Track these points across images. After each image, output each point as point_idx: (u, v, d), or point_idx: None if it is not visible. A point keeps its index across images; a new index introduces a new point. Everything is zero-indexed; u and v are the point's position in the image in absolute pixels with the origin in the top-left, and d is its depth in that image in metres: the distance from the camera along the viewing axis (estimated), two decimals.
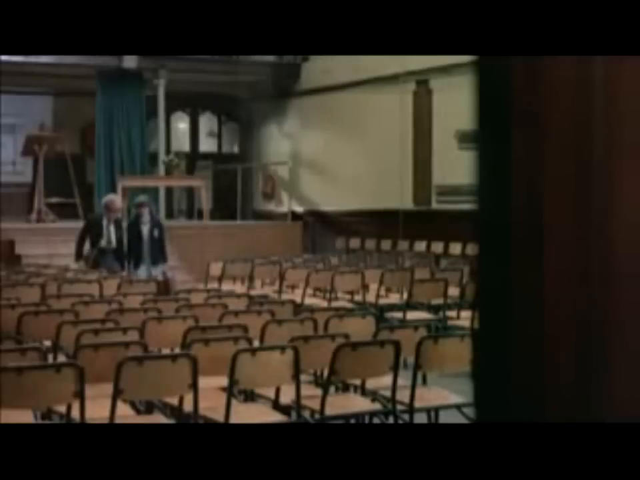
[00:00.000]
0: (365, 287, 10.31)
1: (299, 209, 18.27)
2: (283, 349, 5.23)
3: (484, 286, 0.87)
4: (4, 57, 14.92)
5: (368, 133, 16.78)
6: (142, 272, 11.46)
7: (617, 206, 0.76)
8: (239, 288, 11.26)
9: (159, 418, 5.31)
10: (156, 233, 11.86)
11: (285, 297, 9.96)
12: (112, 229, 11.43)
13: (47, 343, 6.57)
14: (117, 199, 12.19)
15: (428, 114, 15.62)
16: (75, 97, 19.01)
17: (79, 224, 16.07)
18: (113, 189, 17.14)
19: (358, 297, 10.33)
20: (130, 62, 17.07)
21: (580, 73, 0.80)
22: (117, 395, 4.74)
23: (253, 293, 10.29)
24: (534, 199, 0.77)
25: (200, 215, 17.46)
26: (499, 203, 0.80)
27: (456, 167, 15.53)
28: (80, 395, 4.63)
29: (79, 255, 11.58)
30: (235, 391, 5.52)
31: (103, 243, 11.33)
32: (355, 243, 16.84)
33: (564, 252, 0.78)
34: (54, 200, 16.92)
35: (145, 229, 11.78)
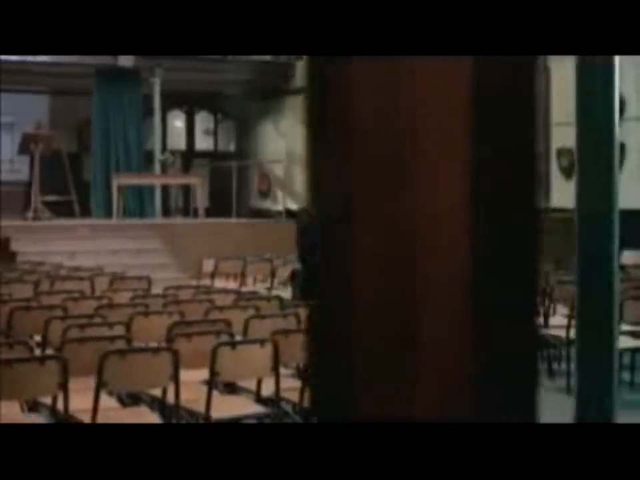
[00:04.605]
0: None
1: (294, 206, 18.39)
2: (262, 342, 5.38)
3: (316, 285, 0.96)
4: (1, 56, 15.05)
5: None
6: None
7: (421, 203, 0.85)
8: (232, 285, 11.41)
9: (143, 410, 5.46)
10: None
11: (275, 293, 10.07)
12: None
13: (38, 338, 6.71)
14: None
15: None
16: (71, 96, 19.15)
17: (75, 221, 16.30)
18: (108, 187, 17.30)
19: None
20: (126, 61, 17.20)
21: (387, 78, 0.87)
22: (100, 386, 4.89)
23: (244, 289, 10.44)
24: (345, 202, 0.86)
25: (195, 213, 17.61)
26: (320, 206, 0.92)
27: None
28: (64, 387, 4.78)
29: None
30: (220, 384, 5.67)
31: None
32: None
33: (373, 255, 0.86)
34: (50, 198, 17.06)
35: None
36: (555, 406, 4.77)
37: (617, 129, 3.13)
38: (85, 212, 17.48)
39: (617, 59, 3.14)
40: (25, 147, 16.19)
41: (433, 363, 0.88)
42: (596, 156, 3.21)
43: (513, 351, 0.89)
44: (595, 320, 3.24)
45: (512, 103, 0.88)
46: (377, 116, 0.87)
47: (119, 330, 6.07)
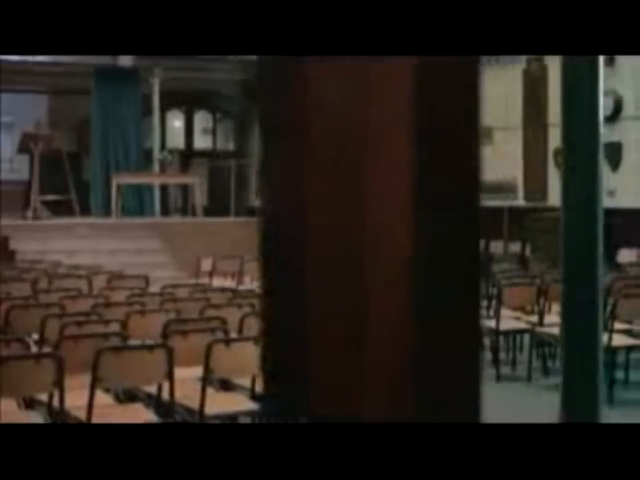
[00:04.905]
0: None
1: None
2: (257, 339, 5.43)
3: (268, 284, 1.00)
4: (1, 56, 15.09)
5: None
6: None
7: (368, 204, 0.87)
8: (229, 283, 11.45)
9: (138, 407, 5.50)
10: None
11: None
12: None
13: (35, 336, 6.76)
14: None
15: None
16: (71, 95, 19.20)
17: (74, 221, 16.34)
18: (107, 186, 17.36)
19: None
20: (125, 60, 17.26)
21: (337, 80, 0.92)
22: (95, 382, 4.94)
23: (241, 287, 10.48)
24: (297, 202, 0.89)
25: (194, 212, 17.66)
26: (272, 205, 0.95)
27: None
28: (59, 384, 4.83)
29: None
30: (215, 381, 5.71)
31: None
32: None
33: (324, 255, 0.90)
34: (50, 197, 17.11)
35: None
36: (549, 404, 4.81)
37: (601, 128, 3.17)
38: (85, 211, 17.54)
39: (602, 59, 3.19)
40: (24, 146, 16.25)
41: (379, 362, 0.91)
42: (581, 154, 3.25)
43: (456, 350, 0.91)
44: (580, 316, 3.28)
45: (454, 104, 0.91)
46: (326, 118, 0.90)
47: (115, 328, 6.11)
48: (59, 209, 16.91)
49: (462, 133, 0.93)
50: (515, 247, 14.59)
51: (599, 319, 3.31)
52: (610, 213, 14.28)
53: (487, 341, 9.47)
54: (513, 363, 8.95)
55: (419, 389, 0.91)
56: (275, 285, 0.95)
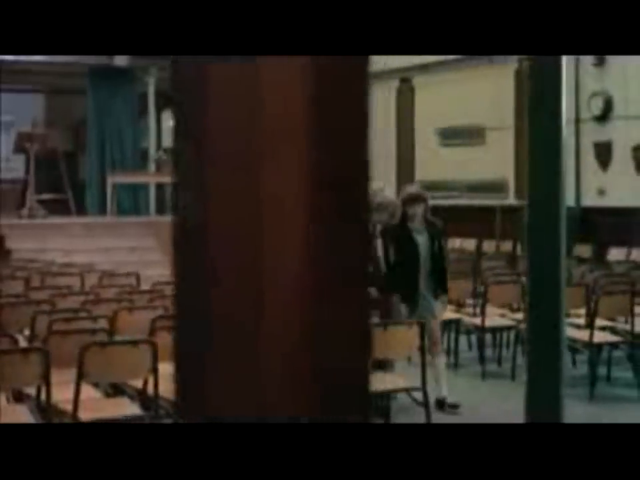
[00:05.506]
0: None
1: None
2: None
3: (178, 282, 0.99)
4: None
5: None
6: (421, 308, 7.36)
7: (267, 207, 0.91)
8: None
9: (124, 400, 5.62)
10: (436, 246, 7.61)
11: None
12: (379, 241, 7.64)
13: (27, 332, 6.87)
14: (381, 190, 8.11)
15: (410, 111, 15.92)
16: (68, 95, 19.30)
17: (70, 220, 16.44)
18: (103, 186, 17.47)
19: None
20: (121, 60, 17.36)
21: (237, 80, 0.95)
22: (80, 377, 5.06)
23: None
24: (201, 209, 0.93)
25: None
26: (179, 212, 0.96)
27: (437, 162, 15.82)
28: (45, 378, 4.95)
29: None
30: None
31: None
32: None
33: (226, 260, 0.93)
34: (46, 196, 17.20)
35: (421, 240, 7.54)
36: None
37: (564, 130, 3.29)
38: (81, 210, 17.65)
39: (564, 59, 3.30)
40: (20, 146, 16.36)
41: (276, 363, 0.94)
42: (544, 154, 3.37)
43: (349, 353, 0.96)
44: (543, 312, 3.39)
45: (347, 104, 0.96)
46: (226, 120, 0.94)
47: (103, 324, 6.22)
48: (54, 207, 17.01)
49: (355, 135, 0.98)
50: (507, 246, 14.70)
51: (562, 316, 3.42)
52: (600, 211, 14.54)
53: (473, 338, 9.58)
54: (499, 360, 9.06)
55: (312, 391, 0.96)
56: (181, 287, 0.99)
